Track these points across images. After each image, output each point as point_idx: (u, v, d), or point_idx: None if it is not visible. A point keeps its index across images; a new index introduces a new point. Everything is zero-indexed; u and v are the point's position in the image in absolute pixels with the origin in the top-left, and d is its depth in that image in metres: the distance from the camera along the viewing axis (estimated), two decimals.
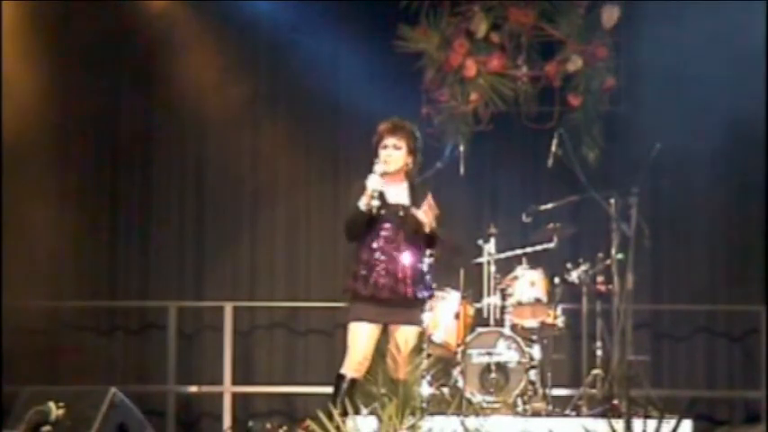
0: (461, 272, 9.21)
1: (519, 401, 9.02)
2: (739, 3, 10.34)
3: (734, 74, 10.48)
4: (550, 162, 9.27)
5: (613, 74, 10.69)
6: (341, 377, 7.00)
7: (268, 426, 9.68)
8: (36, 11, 10.36)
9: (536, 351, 9.22)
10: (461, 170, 10.46)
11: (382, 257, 6.99)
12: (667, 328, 10.91)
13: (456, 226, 10.48)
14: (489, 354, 9.13)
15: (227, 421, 10.53)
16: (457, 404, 8.80)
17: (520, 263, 9.48)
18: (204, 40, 10.88)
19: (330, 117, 11.02)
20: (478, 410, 8.80)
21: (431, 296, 7.39)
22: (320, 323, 10.95)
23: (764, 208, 10.55)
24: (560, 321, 9.37)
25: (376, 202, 6.93)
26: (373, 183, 6.94)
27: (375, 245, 7.01)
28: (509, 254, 9.59)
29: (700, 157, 10.70)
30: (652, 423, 6.13)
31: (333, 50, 10.81)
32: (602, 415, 8.44)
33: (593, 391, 9.18)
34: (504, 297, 9.37)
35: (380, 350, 7.00)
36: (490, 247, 9.48)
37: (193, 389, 10.72)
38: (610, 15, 10.66)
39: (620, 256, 9.06)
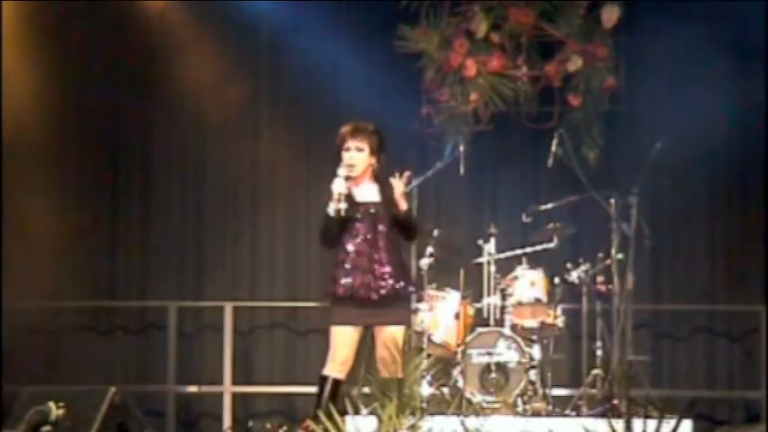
0: (461, 272, 9.21)
1: (519, 401, 9.02)
2: (739, 3, 10.34)
3: (734, 73, 10.49)
4: (550, 162, 9.27)
5: (613, 74, 10.68)
6: (324, 378, 7.02)
7: (268, 426, 9.68)
8: (36, 11, 10.35)
9: (536, 351, 9.23)
10: (461, 170, 10.44)
11: (359, 257, 6.99)
12: (667, 328, 10.91)
13: (456, 226, 10.51)
14: (489, 354, 9.13)
15: (227, 421, 10.53)
16: (457, 404, 8.80)
17: (520, 263, 9.48)
18: (204, 40, 10.88)
19: (330, 117, 10.98)
20: (478, 410, 8.81)
21: (413, 291, 7.37)
22: (320, 323, 10.91)
23: (764, 208, 10.55)
24: (560, 321, 9.37)
25: (343, 205, 6.94)
26: (338, 186, 6.95)
27: (351, 246, 7.01)
28: (509, 254, 9.59)
29: (700, 157, 10.70)
30: (652, 423, 6.13)
31: (333, 50, 10.79)
32: (602, 415, 8.44)
33: (593, 391, 9.18)
34: (504, 297, 9.37)
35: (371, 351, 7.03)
36: (490, 247, 9.48)
37: (193, 389, 10.71)
38: (610, 15, 10.66)
39: (620, 256, 9.07)
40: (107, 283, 11.02)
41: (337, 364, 7.00)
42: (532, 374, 9.12)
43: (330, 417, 6.16)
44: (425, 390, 8.77)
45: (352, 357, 6.99)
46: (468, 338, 9.13)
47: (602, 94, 10.71)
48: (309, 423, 6.35)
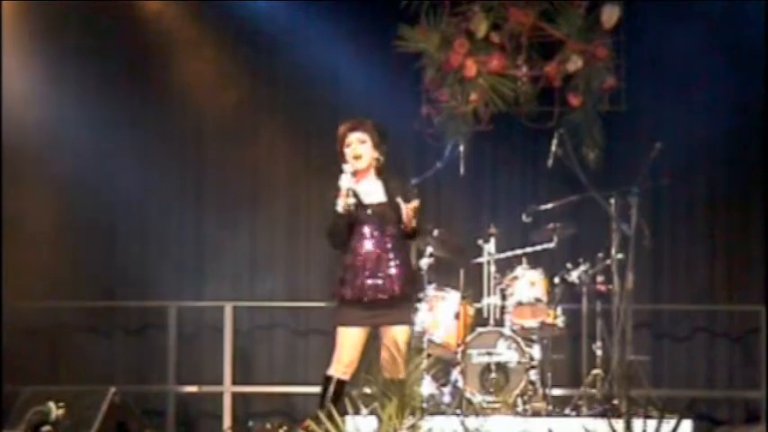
0: (461, 272, 9.21)
1: (519, 401, 9.02)
2: (739, 3, 10.34)
3: (734, 73, 10.49)
4: (550, 162, 9.27)
5: (613, 74, 10.69)
6: (328, 379, 7.02)
7: (268, 426, 9.68)
8: (36, 11, 10.35)
9: (536, 351, 9.22)
10: (461, 170, 10.46)
11: (366, 259, 6.98)
12: (667, 328, 10.91)
13: (456, 226, 10.52)
14: (489, 354, 9.13)
15: (227, 421, 10.53)
16: (457, 404, 8.80)
17: (520, 263, 9.47)
18: (203, 40, 10.88)
19: (330, 117, 10.98)
20: (478, 410, 8.81)
21: (421, 293, 7.37)
22: (320, 323, 10.93)
23: (764, 208, 10.56)
24: (560, 321, 9.37)
25: (351, 200, 6.93)
26: (345, 181, 6.94)
27: (358, 248, 7.01)
28: (509, 254, 9.59)
29: (700, 157, 10.71)
30: (652, 423, 6.13)
31: (333, 50, 10.80)
32: (602, 415, 8.43)
33: (593, 391, 9.18)
34: (504, 297, 9.37)
35: (376, 351, 7.02)
36: (490, 247, 9.48)
37: (193, 389, 10.71)
38: (610, 15, 10.66)
39: (620, 256, 9.07)
40: (107, 283, 11.01)
41: (342, 365, 7.00)
42: (532, 374, 9.12)
43: (331, 417, 6.15)
44: (425, 390, 8.76)
45: (358, 359, 6.99)
46: (468, 338, 9.13)
47: (602, 94, 10.71)
48: (309, 423, 6.35)
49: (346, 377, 7.00)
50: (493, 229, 9.52)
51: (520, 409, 8.99)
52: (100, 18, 10.72)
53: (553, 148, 9.22)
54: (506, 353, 9.13)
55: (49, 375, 10.20)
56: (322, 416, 6.19)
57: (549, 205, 9.51)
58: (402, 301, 7.03)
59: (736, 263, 10.84)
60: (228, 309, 10.69)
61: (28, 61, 10.31)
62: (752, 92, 10.45)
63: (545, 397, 9.18)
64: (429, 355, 9.03)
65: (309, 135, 11.07)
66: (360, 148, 7.02)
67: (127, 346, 11.05)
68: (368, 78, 10.59)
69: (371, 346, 7.12)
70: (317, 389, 10.00)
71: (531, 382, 9.12)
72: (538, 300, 9.29)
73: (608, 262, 9.23)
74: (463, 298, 9.18)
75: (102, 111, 10.91)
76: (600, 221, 9.47)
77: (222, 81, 10.90)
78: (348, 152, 7.04)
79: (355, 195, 6.96)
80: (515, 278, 9.36)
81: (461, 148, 10.38)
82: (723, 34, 10.45)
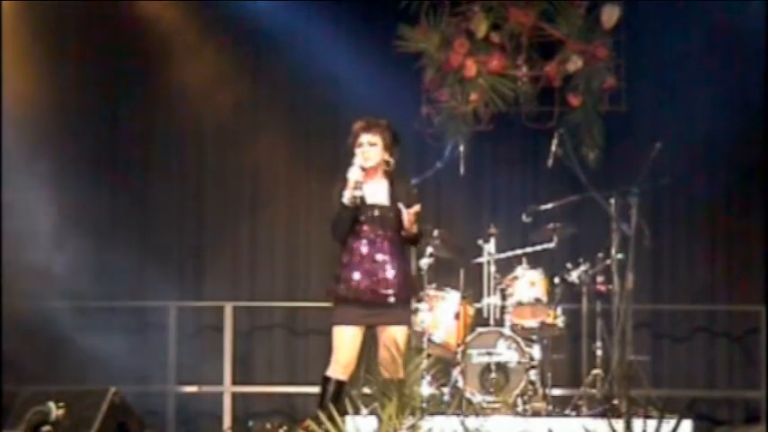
0: (461, 272, 9.21)
1: (519, 401, 9.02)
2: (739, 3, 10.35)
3: (734, 73, 10.49)
4: (550, 162, 9.27)
5: (613, 74, 10.69)
6: (326, 379, 7.02)
7: (268, 426, 9.68)
8: (36, 11, 10.35)
9: (536, 351, 9.23)
10: (461, 170, 10.46)
11: (363, 259, 6.98)
12: (667, 328, 10.91)
13: (456, 226, 10.52)
14: (489, 354, 9.13)
15: (227, 421, 10.53)
16: (457, 404, 8.80)
17: (520, 263, 9.47)
18: (203, 40, 10.88)
19: (330, 117, 11.01)
20: (478, 410, 8.81)
21: (417, 295, 7.36)
22: (320, 323, 10.92)
23: (764, 208, 10.56)
24: (560, 321, 9.37)
25: (359, 193, 6.92)
26: (354, 174, 6.94)
27: (355, 247, 7.00)
28: (509, 254, 9.59)
29: (700, 157, 10.71)
30: (652, 423, 6.13)
31: (332, 50, 10.80)
32: (602, 415, 8.43)
33: (593, 391, 9.18)
34: (504, 297, 9.37)
35: (376, 351, 7.02)
36: (490, 247, 9.48)
37: (193, 389, 10.71)
38: (610, 15, 10.66)
39: (620, 256, 9.07)
40: (107, 283, 11.01)
41: (340, 365, 7.00)
42: (532, 374, 9.12)
43: (331, 417, 6.15)
44: (425, 390, 8.77)
45: (356, 358, 6.98)
46: (468, 338, 9.13)
47: (602, 94, 10.71)
48: (309, 423, 6.35)
49: (345, 377, 6.99)
50: (493, 229, 9.52)
51: (520, 409, 8.99)
52: (100, 18, 10.71)
53: (553, 148, 9.22)
54: (506, 353, 9.13)
55: (49, 375, 10.19)
56: (322, 416, 6.19)
57: (549, 205, 9.51)
58: (398, 303, 7.02)
59: (736, 263, 10.84)
60: (228, 309, 10.69)
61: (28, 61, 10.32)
62: (752, 92, 10.45)
63: (545, 397, 9.18)
64: (429, 355, 9.04)
65: (309, 135, 11.08)
66: (369, 151, 7.03)
67: (127, 346, 11.04)
68: (368, 78, 10.59)
69: (371, 346, 7.12)
70: (317, 389, 10.02)
71: (531, 382, 9.12)
72: (538, 300, 9.29)
73: (608, 262, 9.23)
74: (463, 298, 9.18)
75: (101, 111, 10.93)
76: (600, 221, 9.47)
77: (222, 81, 10.90)
78: (358, 152, 7.04)
79: (361, 188, 6.95)
80: (515, 278, 9.36)
81: (461, 148, 10.38)
82: (723, 34, 10.45)
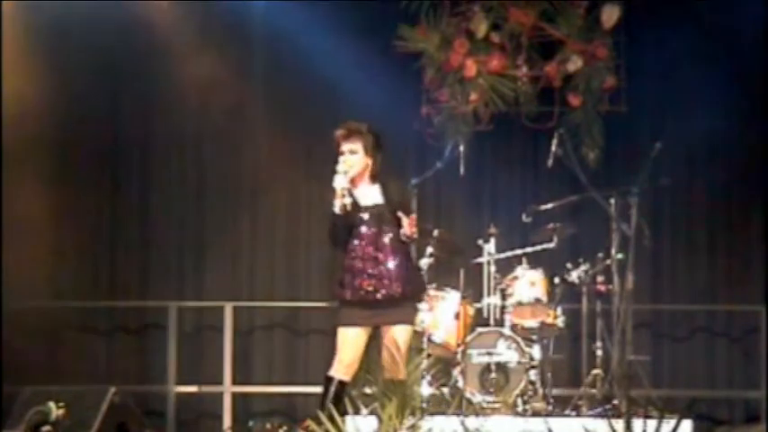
0: (461, 272, 9.21)
1: (519, 401, 9.02)
2: (739, 3, 10.35)
3: (734, 73, 10.49)
4: (550, 162, 9.27)
5: (613, 74, 10.69)
6: (329, 379, 7.02)
7: (268, 426, 9.68)
8: (36, 11, 10.35)
9: (536, 351, 9.22)
10: (461, 170, 10.45)
11: (363, 261, 7.00)
12: (667, 328, 10.91)
13: (456, 226, 10.52)
14: (489, 354, 9.13)
15: (227, 421, 10.53)
16: (457, 404, 8.80)
17: (520, 263, 9.47)
18: (203, 40, 10.87)
19: (330, 117, 10.98)
20: (478, 410, 8.81)
21: (421, 293, 7.37)
22: (320, 323, 10.94)
23: (764, 208, 10.56)
24: (560, 321, 9.37)
25: (348, 200, 6.96)
26: (339, 182, 6.97)
27: (356, 249, 7.03)
28: (509, 254, 9.59)
29: (700, 157, 10.71)
30: (652, 423, 6.13)
31: (333, 50, 10.79)
32: (602, 415, 8.44)
33: (593, 391, 9.18)
34: (504, 297, 9.37)
35: (377, 351, 7.02)
36: (490, 247, 9.48)
37: (193, 389, 10.71)
38: (610, 15, 10.66)
39: (620, 256, 9.07)
40: (107, 283, 11.02)
41: (344, 365, 7.01)
42: (532, 374, 9.12)
43: (331, 417, 6.16)
44: (425, 390, 8.76)
45: (359, 359, 7.00)
46: (468, 338, 9.13)
47: (602, 94, 10.71)
48: (309, 423, 6.36)
49: (347, 378, 7.00)
50: (493, 229, 9.52)
51: (520, 409, 8.99)
52: (100, 19, 10.72)
53: (553, 148, 9.21)
54: (506, 353, 9.13)
55: (49, 375, 10.19)
56: (322, 416, 6.19)
57: (549, 205, 9.51)
58: (402, 300, 7.04)
59: (736, 263, 10.84)
60: (228, 309, 10.69)
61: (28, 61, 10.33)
62: (752, 91, 10.45)
63: (545, 397, 9.18)
64: (429, 355, 9.04)
65: (309, 135, 11.06)
66: (349, 159, 7.07)
67: (127, 346, 11.05)
68: (368, 78, 10.58)
69: (372, 346, 7.13)
70: (317, 389, 10.00)
71: (531, 382, 9.12)
72: (538, 300, 9.29)
73: (608, 262, 9.23)
74: (463, 298, 9.18)
75: (102, 110, 10.93)
76: (600, 221, 9.47)
77: (221, 81, 10.89)
78: (340, 160, 7.08)
79: (351, 193, 6.97)
80: (515, 278, 9.37)
81: (461, 148, 10.37)
82: (723, 34, 10.45)
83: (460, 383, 9.02)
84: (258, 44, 11.07)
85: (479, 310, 9.44)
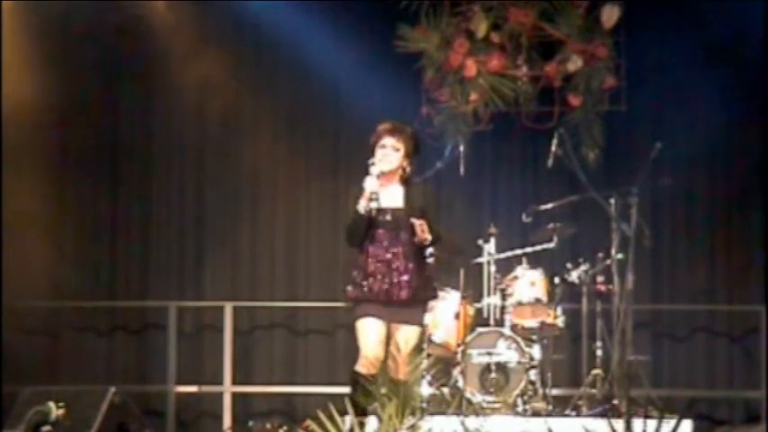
0: (461, 272, 9.21)
1: (519, 401, 9.02)
2: (739, 3, 10.35)
3: (734, 73, 10.49)
4: (550, 162, 9.26)
5: (613, 74, 10.69)
6: (356, 374, 6.94)
7: (268, 426, 9.67)
8: (36, 11, 10.35)
9: (536, 351, 9.23)
10: (461, 170, 10.45)
11: (378, 262, 6.98)
12: (667, 328, 10.91)
13: (456, 226, 10.51)
14: (489, 354, 9.13)
15: (227, 421, 10.53)
16: (457, 404, 8.80)
17: (520, 263, 9.48)
18: (203, 40, 10.88)
19: (330, 117, 11.02)
20: (478, 410, 8.81)
21: (432, 296, 7.36)
22: (320, 323, 10.95)
23: (764, 208, 10.56)
24: (560, 321, 9.37)
25: (374, 204, 6.94)
26: (370, 184, 6.95)
27: (371, 251, 7.01)
28: (509, 254, 9.58)
29: (700, 157, 10.71)
30: (652, 423, 6.13)
31: (332, 50, 10.79)
32: (602, 415, 8.44)
33: (593, 391, 9.18)
34: (504, 297, 9.37)
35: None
36: (490, 247, 9.48)
37: (193, 389, 10.71)
38: (610, 15, 10.66)
39: (620, 256, 9.07)
40: (107, 283, 11.02)
41: (368, 360, 6.92)
42: (532, 374, 9.12)
43: (331, 417, 6.16)
44: (425, 390, 8.76)
45: (382, 353, 6.92)
46: (468, 338, 9.13)
47: (602, 94, 10.71)
48: (309, 423, 6.35)
49: (374, 371, 6.88)
50: (493, 229, 9.52)
51: (520, 409, 8.99)
52: (99, 18, 10.72)
53: (553, 148, 9.21)
54: (506, 353, 9.13)
55: (49, 375, 10.20)
56: (322, 416, 6.19)
57: (549, 205, 9.51)
58: (413, 303, 7.03)
59: (736, 263, 10.83)
60: (228, 309, 10.69)
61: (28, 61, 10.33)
62: (752, 92, 10.45)
63: (545, 397, 9.18)
64: (429, 355, 9.04)
65: (309, 135, 11.07)
66: (391, 155, 7.04)
67: (127, 346, 11.05)
68: (368, 78, 10.59)
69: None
70: (317, 389, 10.09)
71: (531, 382, 9.12)
72: (538, 300, 9.29)
73: (608, 262, 9.23)
74: (463, 298, 9.18)
75: (102, 110, 10.93)
76: (600, 221, 9.48)
77: (221, 81, 10.89)
78: (379, 153, 7.04)
79: (377, 199, 6.95)
80: (515, 278, 9.37)
81: (461, 148, 10.37)
82: (723, 34, 10.44)
83: (460, 383, 9.02)
84: (258, 44, 11.07)
85: (479, 310, 9.44)
